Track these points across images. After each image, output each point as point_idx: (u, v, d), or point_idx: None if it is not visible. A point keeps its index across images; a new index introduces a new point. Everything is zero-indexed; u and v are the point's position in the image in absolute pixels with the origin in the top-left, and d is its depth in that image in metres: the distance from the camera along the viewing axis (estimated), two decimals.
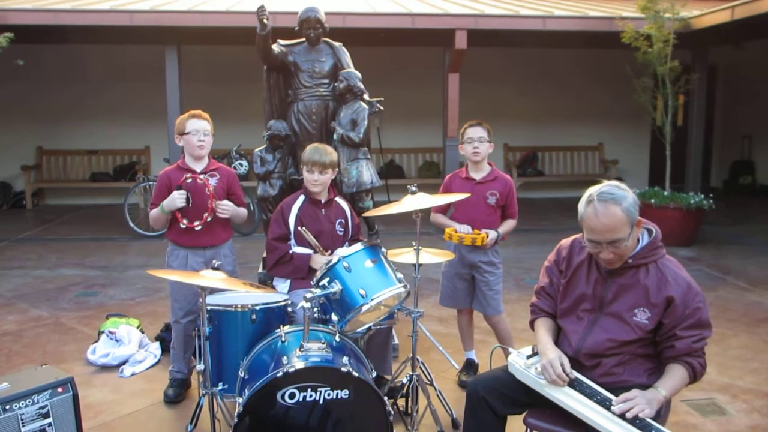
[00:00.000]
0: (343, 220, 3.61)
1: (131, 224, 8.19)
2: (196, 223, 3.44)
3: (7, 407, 2.64)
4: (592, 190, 2.33)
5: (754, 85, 11.17)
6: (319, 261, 3.36)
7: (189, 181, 3.44)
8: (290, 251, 3.46)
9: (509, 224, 3.76)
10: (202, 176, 3.47)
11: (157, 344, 4.34)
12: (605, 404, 2.23)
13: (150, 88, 9.59)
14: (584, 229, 2.36)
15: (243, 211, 3.69)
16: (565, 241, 2.63)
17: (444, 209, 3.83)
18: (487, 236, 3.58)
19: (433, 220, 3.86)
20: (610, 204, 2.26)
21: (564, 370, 2.33)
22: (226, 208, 3.49)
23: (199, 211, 3.45)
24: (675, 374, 2.34)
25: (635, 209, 2.29)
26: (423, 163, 11.11)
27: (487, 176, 3.73)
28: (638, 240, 2.39)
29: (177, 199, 3.40)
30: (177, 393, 3.65)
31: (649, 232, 2.43)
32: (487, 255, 3.73)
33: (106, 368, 4.10)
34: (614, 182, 2.37)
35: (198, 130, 3.48)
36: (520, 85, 10.84)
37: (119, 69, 10.14)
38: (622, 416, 2.17)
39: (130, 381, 3.95)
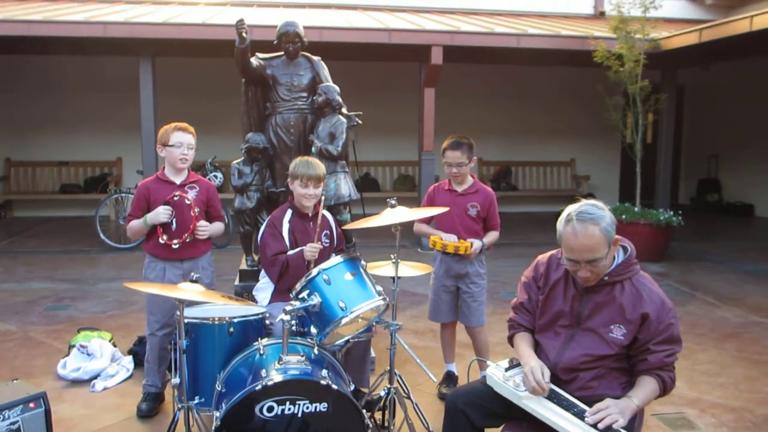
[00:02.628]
0: (328, 232, 3.62)
1: (102, 236, 8.08)
2: (175, 241, 3.44)
3: None
4: (571, 209, 2.36)
5: (721, 105, 11.48)
6: (311, 251, 3.33)
7: (176, 198, 3.43)
8: (286, 259, 3.42)
9: (492, 235, 3.81)
10: (189, 196, 3.45)
11: (129, 358, 4.28)
12: (582, 416, 2.26)
13: (123, 100, 9.51)
14: (563, 248, 2.40)
15: (220, 227, 3.68)
16: (542, 257, 2.66)
17: (427, 220, 3.87)
18: (472, 245, 3.62)
19: (416, 230, 3.91)
20: (589, 224, 2.30)
21: (544, 380, 2.36)
22: (205, 230, 3.49)
23: (180, 230, 3.45)
24: (646, 386, 2.40)
25: (613, 229, 2.34)
26: (398, 177, 11.17)
27: (468, 188, 3.79)
28: (614, 257, 2.44)
29: (161, 214, 3.39)
30: (150, 407, 3.60)
31: (624, 249, 2.48)
32: (474, 265, 3.78)
33: (77, 383, 4.02)
34: (592, 201, 2.40)
35: (182, 143, 3.48)
36: (494, 101, 11.00)
37: (92, 80, 10.04)
38: (595, 426, 2.20)
39: (102, 395, 3.88)
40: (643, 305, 2.39)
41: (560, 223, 2.38)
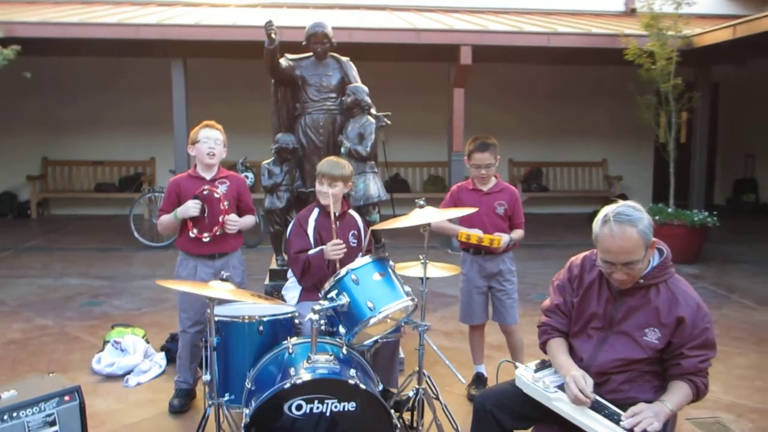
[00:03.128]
0: (355, 232, 3.63)
1: (136, 235, 8.23)
2: (205, 234, 3.48)
3: (14, 414, 2.65)
4: (608, 210, 2.32)
5: (757, 103, 11.21)
6: (331, 251, 3.35)
7: (206, 192, 3.49)
8: (307, 257, 3.45)
9: (519, 233, 3.80)
10: (219, 190, 3.50)
11: (162, 354, 4.35)
12: (614, 419, 2.23)
13: (156, 101, 9.65)
14: (599, 249, 2.36)
15: (251, 220, 3.72)
16: (576, 259, 2.63)
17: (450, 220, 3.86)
18: (501, 239, 3.61)
19: (434, 226, 3.85)
20: (627, 225, 2.26)
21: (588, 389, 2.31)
22: (234, 223, 3.53)
23: (210, 223, 3.51)
24: (680, 391, 2.36)
25: (650, 231, 2.29)
26: (428, 177, 11.15)
27: (493, 187, 3.79)
28: (650, 260, 2.40)
29: (191, 208, 3.45)
30: (182, 403, 3.65)
31: (660, 251, 2.43)
32: (505, 262, 3.79)
33: (110, 378, 4.10)
34: (630, 202, 2.36)
35: (209, 137, 3.55)
36: (524, 101, 10.90)
37: (126, 82, 10.21)
38: (630, 431, 2.17)
39: (135, 391, 3.95)
40: (679, 309, 2.35)
41: (596, 224, 2.34)
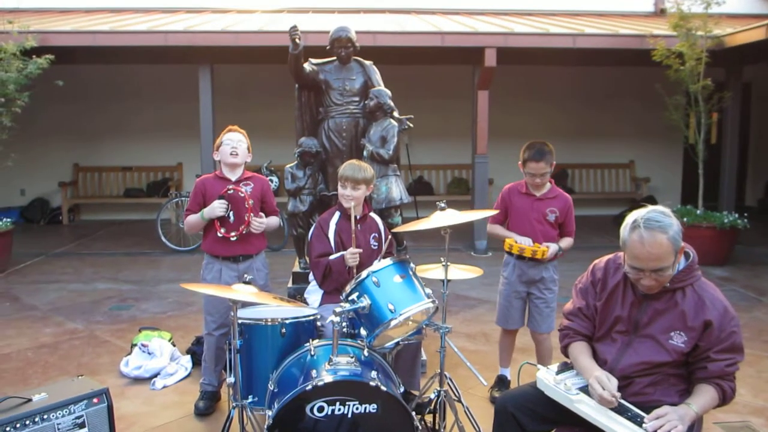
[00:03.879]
0: (376, 234, 3.64)
1: (164, 239, 8.35)
2: (233, 233, 3.54)
3: (45, 417, 2.70)
4: (638, 216, 2.28)
5: None
6: (350, 258, 3.37)
7: (231, 192, 3.54)
8: (328, 262, 3.47)
9: (567, 241, 3.76)
10: (243, 190, 3.56)
11: (188, 357, 4.40)
12: (637, 421, 2.20)
13: (183, 107, 9.80)
14: (627, 255, 2.33)
15: (275, 221, 3.77)
16: (599, 262, 2.60)
17: (501, 220, 3.83)
18: (548, 249, 3.58)
19: (490, 231, 3.87)
20: (657, 232, 2.22)
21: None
22: (261, 223, 3.59)
23: (237, 222, 3.56)
24: (705, 394, 2.32)
25: (680, 237, 2.26)
26: (452, 180, 11.12)
27: (547, 193, 3.73)
28: (677, 265, 2.36)
29: (217, 208, 3.51)
30: (207, 405, 3.70)
31: (686, 255, 2.39)
32: (548, 270, 3.74)
33: (138, 380, 4.17)
34: (660, 208, 2.32)
35: (232, 139, 3.64)
36: (549, 102, 10.82)
37: (154, 88, 10.39)
38: None
39: (162, 393, 4.01)
40: (706, 312, 2.31)
41: (625, 230, 2.31)
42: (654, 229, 2.22)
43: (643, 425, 2.18)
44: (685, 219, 7.24)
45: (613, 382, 2.30)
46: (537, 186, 3.70)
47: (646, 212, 2.28)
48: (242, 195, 3.55)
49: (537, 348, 3.91)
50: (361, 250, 3.40)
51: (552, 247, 3.61)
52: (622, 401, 2.32)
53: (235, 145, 3.62)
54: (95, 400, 2.88)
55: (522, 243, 3.61)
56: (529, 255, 3.59)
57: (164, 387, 4.08)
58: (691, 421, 2.24)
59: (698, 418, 2.34)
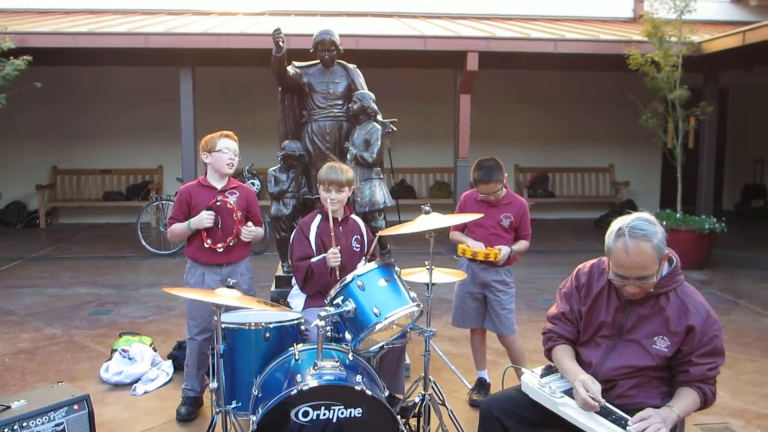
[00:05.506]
0: (358, 237, 3.64)
1: (144, 243, 8.26)
2: (219, 245, 3.52)
3: (24, 424, 2.67)
4: (622, 224, 2.30)
5: (766, 108, 11.17)
6: (332, 258, 3.37)
7: (219, 204, 3.52)
8: (309, 265, 3.46)
9: (522, 244, 3.79)
10: (231, 201, 3.53)
11: (169, 362, 4.36)
12: (620, 423, 2.23)
13: (164, 109, 9.72)
14: (612, 263, 2.34)
15: (260, 231, 3.75)
16: (583, 267, 2.62)
17: (461, 227, 3.88)
18: (500, 252, 3.60)
19: (450, 237, 3.92)
20: (641, 240, 2.24)
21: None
22: (250, 232, 3.58)
23: (224, 233, 3.54)
24: (687, 397, 2.35)
25: (664, 245, 2.28)
26: (434, 183, 11.15)
27: (502, 199, 3.76)
28: (661, 272, 2.38)
29: (205, 219, 3.49)
30: (190, 411, 3.66)
31: (669, 260, 2.42)
32: (500, 274, 3.76)
33: (119, 386, 4.12)
34: (644, 215, 2.34)
35: (230, 149, 3.60)
36: (531, 107, 10.90)
37: (135, 90, 10.29)
38: None
39: (143, 399, 3.96)
40: (689, 317, 2.34)
41: (610, 237, 2.32)
42: (638, 237, 2.24)
43: (627, 428, 2.20)
44: (664, 222, 7.31)
45: (597, 387, 2.32)
46: (491, 201, 3.74)
47: (631, 220, 2.30)
48: (230, 207, 3.53)
49: (507, 352, 3.94)
50: (339, 247, 3.40)
51: (504, 250, 3.64)
52: (607, 404, 2.33)
53: (233, 156, 3.60)
54: (76, 407, 2.85)
55: (474, 247, 3.65)
56: (481, 258, 3.63)
57: (145, 392, 4.03)
58: (674, 424, 2.27)
59: (680, 421, 2.36)
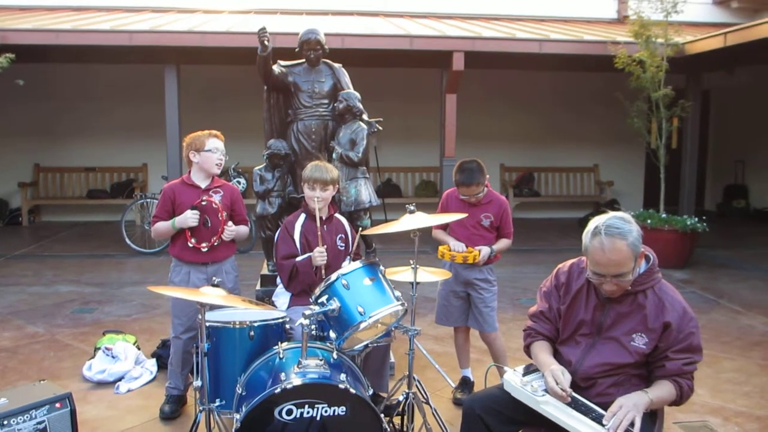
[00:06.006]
0: (343, 235, 3.65)
1: (128, 241, 8.22)
2: (204, 244, 3.53)
3: (5, 423, 2.65)
4: (598, 222, 2.34)
5: (748, 110, 11.31)
6: (318, 257, 3.38)
7: (204, 203, 3.52)
8: (294, 264, 3.47)
9: (503, 243, 3.82)
10: (216, 200, 3.54)
11: (153, 361, 4.35)
12: (601, 421, 2.25)
13: (148, 107, 9.67)
14: (588, 261, 2.39)
15: (245, 230, 3.75)
16: (563, 266, 2.65)
17: (444, 226, 3.90)
18: (480, 253, 3.63)
19: (433, 236, 3.94)
20: (617, 239, 2.28)
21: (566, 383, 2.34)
22: (232, 232, 3.59)
23: (209, 233, 3.54)
24: (663, 386, 2.39)
25: (640, 243, 2.32)
26: (420, 183, 11.18)
27: (482, 199, 3.77)
28: (638, 270, 2.42)
29: (190, 219, 3.49)
30: (173, 409, 3.65)
31: (647, 258, 2.46)
32: (482, 272, 3.79)
33: (102, 384, 4.09)
34: (620, 214, 2.38)
35: (218, 149, 3.61)
36: (516, 106, 10.97)
37: (119, 88, 10.22)
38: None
39: (126, 397, 3.95)
40: (666, 314, 2.38)
41: (586, 236, 2.36)
42: (614, 235, 2.28)
43: (604, 425, 2.23)
44: (648, 221, 7.40)
45: (566, 377, 2.36)
46: (472, 202, 3.76)
47: (607, 219, 2.34)
48: (215, 207, 3.53)
49: (489, 349, 3.97)
50: (326, 246, 3.41)
51: (483, 251, 3.67)
52: (584, 399, 2.37)
53: (221, 156, 3.61)
54: (58, 405, 2.84)
55: (455, 249, 3.68)
56: (460, 261, 3.66)
57: (129, 391, 4.01)
58: (646, 407, 2.30)
59: (660, 418, 2.40)
